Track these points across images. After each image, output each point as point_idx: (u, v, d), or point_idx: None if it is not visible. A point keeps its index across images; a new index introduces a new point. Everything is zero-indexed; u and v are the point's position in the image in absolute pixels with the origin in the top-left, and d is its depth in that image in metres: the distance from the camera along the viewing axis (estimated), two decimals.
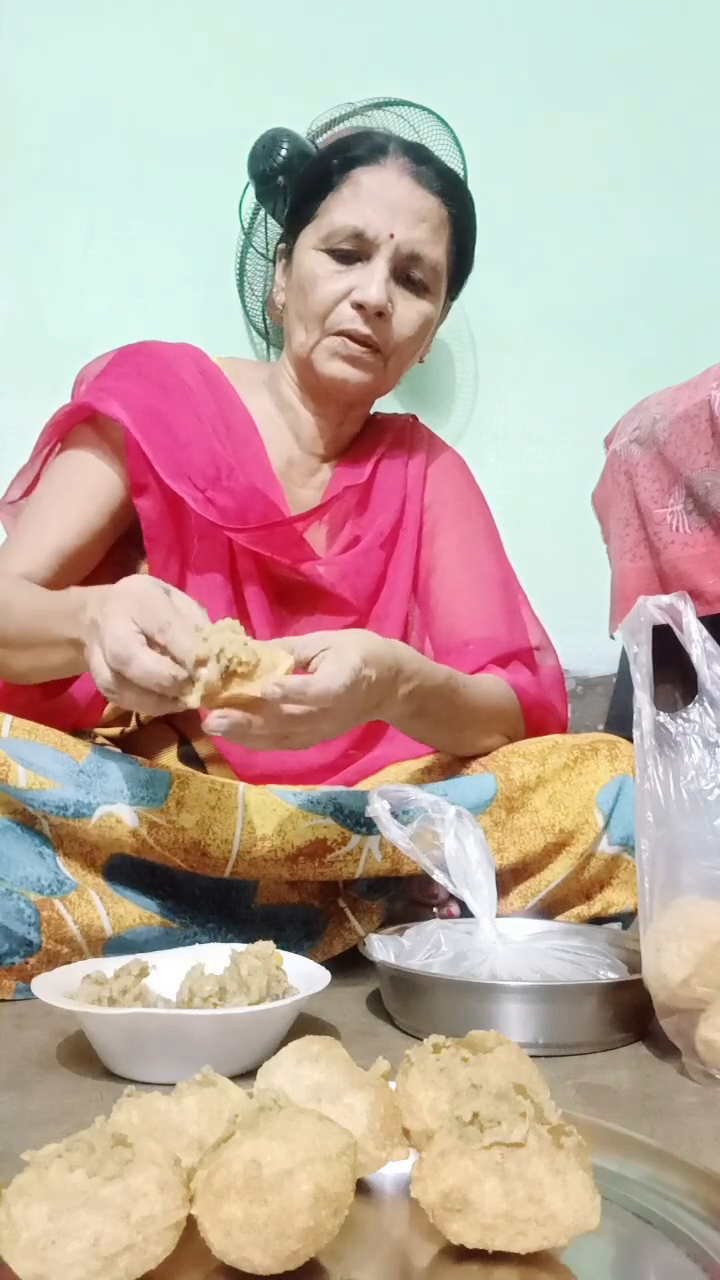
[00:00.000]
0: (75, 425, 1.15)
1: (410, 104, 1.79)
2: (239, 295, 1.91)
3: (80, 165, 1.89)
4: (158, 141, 1.91)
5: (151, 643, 0.81)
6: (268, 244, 1.86)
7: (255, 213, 1.86)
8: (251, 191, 1.83)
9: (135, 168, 1.90)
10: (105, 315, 1.86)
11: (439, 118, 1.80)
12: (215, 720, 0.82)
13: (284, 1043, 0.63)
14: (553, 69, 2.05)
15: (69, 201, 1.88)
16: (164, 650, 0.81)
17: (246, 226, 1.87)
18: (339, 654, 0.87)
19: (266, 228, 1.85)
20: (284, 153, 1.74)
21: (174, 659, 0.80)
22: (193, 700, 0.81)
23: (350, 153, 1.17)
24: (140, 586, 0.85)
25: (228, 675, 0.81)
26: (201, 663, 0.80)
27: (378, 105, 1.80)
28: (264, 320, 1.91)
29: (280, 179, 1.74)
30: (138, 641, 0.80)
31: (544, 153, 2.04)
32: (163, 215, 1.91)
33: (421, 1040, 0.62)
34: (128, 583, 0.86)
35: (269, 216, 1.84)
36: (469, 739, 1.08)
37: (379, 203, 1.13)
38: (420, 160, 1.17)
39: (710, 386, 1.43)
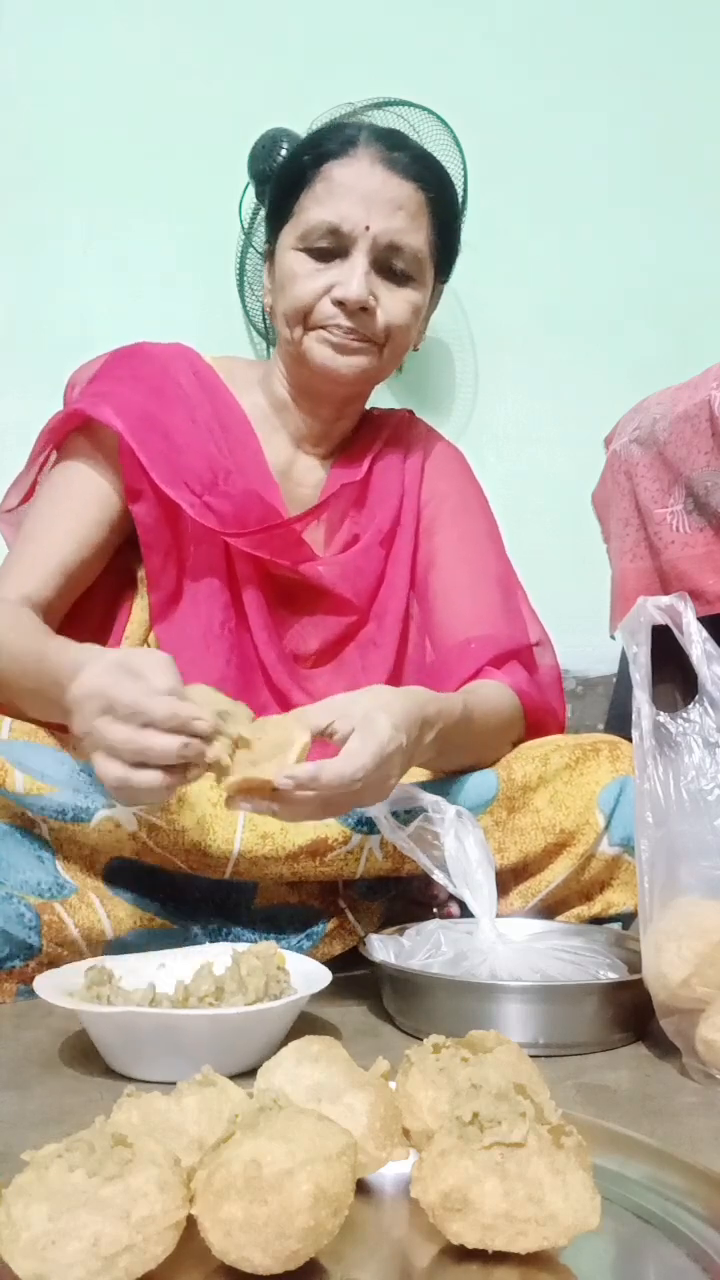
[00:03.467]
0: (70, 433, 1.15)
1: (410, 104, 1.79)
2: (239, 295, 1.91)
3: (80, 165, 1.89)
4: (158, 141, 1.91)
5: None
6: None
7: (255, 213, 1.86)
8: (251, 191, 1.83)
9: (135, 168, 1.90)
10: (105, 315, 1.86)
11: (439, 118, 1.80)
12: (241, 804, 0.82)
13: (284, 1043, 0.63)
14: (553, 68, 2.05)
15: (69, 201, 1.88)
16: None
17: (246, 226, 1.87)
18: (363, 730, 0.84)
19: (266, 228, 1.85)
20: (284, 153, 1.74)
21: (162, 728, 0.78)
22: (212, 753, 0.79)
23: (321, 147, 1.15)
24: (100, 680, 0.80)
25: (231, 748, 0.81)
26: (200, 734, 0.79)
27: (378, 105, 1.79)
28: (264, 320, 1.91)
29: None
30: (140, 732, 0.77)
31: (544, 152, 2.04)
32: (163, 215, 1.91)
33: (421, 1040, 0.62)
34: (88, 680, 0.81)
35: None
36: (484, 757, 1.08)
37: (352, 195, 1.11)
38: (393, 147, 1.15)
39: (710, 386, 1.43)
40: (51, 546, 1.09)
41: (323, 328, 1.13)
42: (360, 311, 1.12)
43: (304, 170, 1.15)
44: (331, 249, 1.12)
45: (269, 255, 1.22)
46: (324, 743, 0.86)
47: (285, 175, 1.20)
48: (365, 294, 1.11)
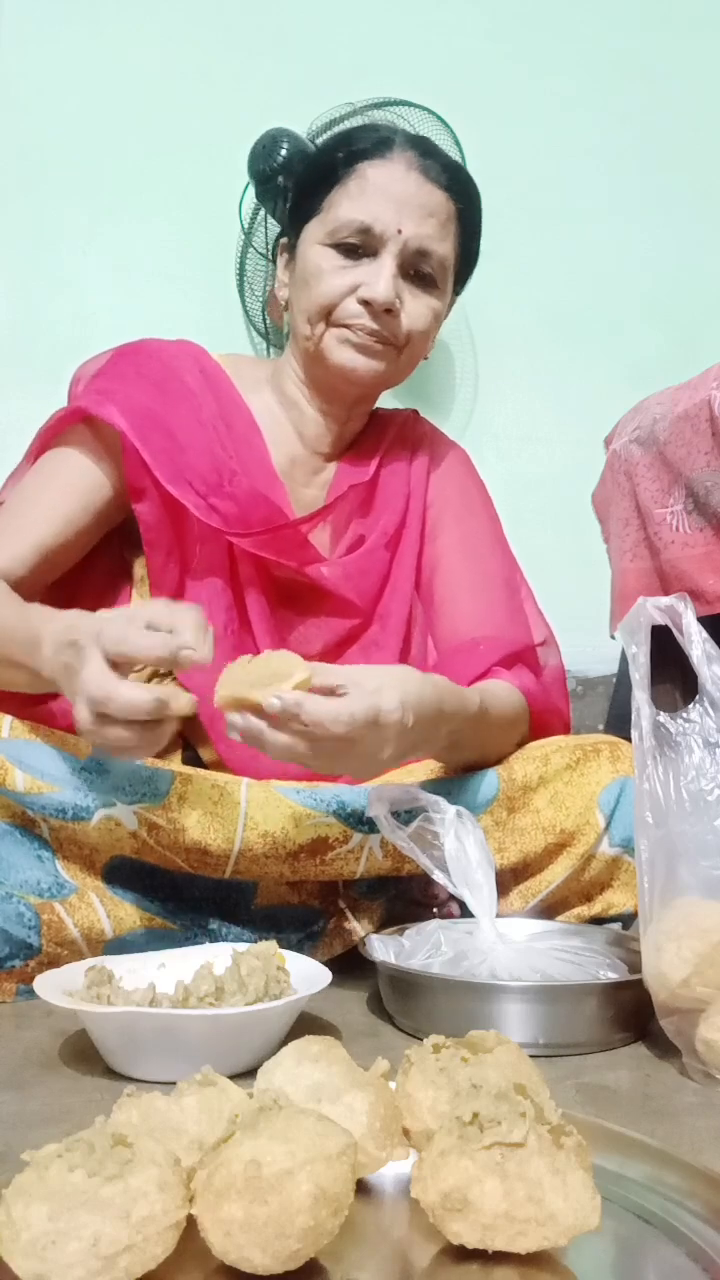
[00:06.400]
0: (70, 426, 1.14)
1: (410, 104, 1.79)
2: (239, 295, 1.91)
3: (80, 165, 1.88)
4: (158, 141, 1.91)
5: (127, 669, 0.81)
6: (268, 244, 1.86)
7: (255, 213, 1.86)
8: (251, 191, 1.83)
9: (135, 167, 1.90)
10: (105, 315, 1.86)
11: (439, 118, 1.80)
12: (232, 718, 0.83)
13: (284, 1043, 0.63)
14: (552, 69, 2.05)
15: (69, 201, 1.88)
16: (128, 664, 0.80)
17: (246, 226, 1.87)
18: (370, 693, 0.85)
19: (266, 228, 1.85)
20: (284, 153, 1.74)
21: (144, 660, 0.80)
22: (184, 706, 0.80)
23: (355, 146, 1.15)
24: (98, 618, 0.84)
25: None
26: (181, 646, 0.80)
27: (377, 105, 1.80)
28: (264, 320, 1.91)
29: (280, 179, 1.74)
30: (111, 677, 0.79)
31: (544, 153, 2.04)
32: (163, 215, 1.91)
33: (421, 1040, 0.62)
34: (88, 621, 0.84)
35: (269, 216, 1.84)
36: (490, 755, 1.08)
37: (386, 197, 1.11)
38: (426, 154, 1.15)
39: (710, 386, 1.43)
40: (31, 524, 1.08)
41: (345, 326, 1.13)
42: (384, 313, 1.12)
43: (336, 167, 1.14)
44: (360, 247, 1.12)
45: (284, 248, 1.21)
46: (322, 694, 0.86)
47: (314, 170, 1.19)
48: (392, 296, 1.11)
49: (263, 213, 1.84)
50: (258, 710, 0.82)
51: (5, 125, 1.87)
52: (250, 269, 1.88)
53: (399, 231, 1.11)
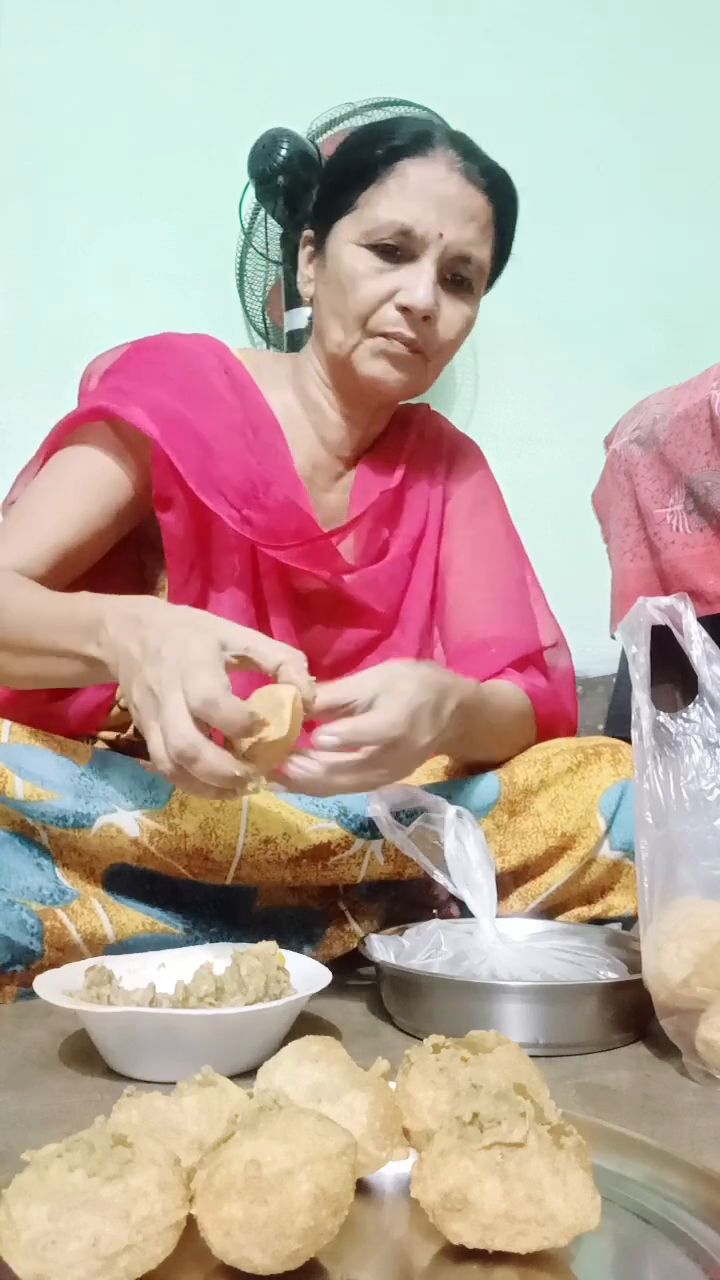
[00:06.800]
0: (88, 424, 1.09)
1: (410, 104, 1.80)
2: (239, 295, 1.91)
3: (80, 165, 1.89)
4: (158, 141, 1.91)
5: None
6: (267, 244, 1.86)
7: (255, 213, 1.86)
8: (251, 191, 1.83)
9: (135, 168, 1.91)
10: (105, 315, 1.86)
11: (439, 118, 1.80)
12: (289, 771, 0.82)
13: (284, 1043, 0.63)
14: (552, 68, 2.05)
15: (69, 201, 1.88)
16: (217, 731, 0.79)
17: (246, 226, 1.87)
18: (386, 691, 0.85)
19: (266, 228, 1.86)
20: (284, 153, 1.74)
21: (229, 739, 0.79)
22: (254, 787, 0.80)
23: (393, 141, 1.09)
24: (184, 650, 0.79)
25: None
26: (262, 724, 0.79)
27: (378, 105, 1.80)
28: (264, 320, 1.91)
29: (280, 179, 1.74)
30: (201, 737, 0.77)
31: (543, 153, 2.04)
32: (163, 215, 1.92)
33: (421, 1040, 0.62)
34: (175, 635, 0.81)
35: (269, 216, 1.84)
36: (496, 753, 1.08)
37: (427, 199, 1.06)
38: (467, 154, 1.10)
39: (710, 386, 1.43)
40: (47, 524, 1.04)
41: (382, 335, 1.08)
42: (422, 320, 1.08)
43: (374, 163, 1.08)
44: (398, 249, 1.07)
45: (309, 242, 1.16)
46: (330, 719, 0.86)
47: (349, 165, 1.12)
48: (433, 302, 1.07)
49: (263, 213, 1.85)
50: (282, 749, 0.81)
51: (5, 125, 1.87)
52: (250, 269, 1.89)
53: (440, 235, 1.06)
